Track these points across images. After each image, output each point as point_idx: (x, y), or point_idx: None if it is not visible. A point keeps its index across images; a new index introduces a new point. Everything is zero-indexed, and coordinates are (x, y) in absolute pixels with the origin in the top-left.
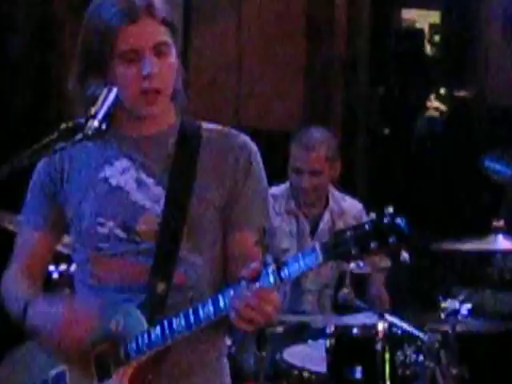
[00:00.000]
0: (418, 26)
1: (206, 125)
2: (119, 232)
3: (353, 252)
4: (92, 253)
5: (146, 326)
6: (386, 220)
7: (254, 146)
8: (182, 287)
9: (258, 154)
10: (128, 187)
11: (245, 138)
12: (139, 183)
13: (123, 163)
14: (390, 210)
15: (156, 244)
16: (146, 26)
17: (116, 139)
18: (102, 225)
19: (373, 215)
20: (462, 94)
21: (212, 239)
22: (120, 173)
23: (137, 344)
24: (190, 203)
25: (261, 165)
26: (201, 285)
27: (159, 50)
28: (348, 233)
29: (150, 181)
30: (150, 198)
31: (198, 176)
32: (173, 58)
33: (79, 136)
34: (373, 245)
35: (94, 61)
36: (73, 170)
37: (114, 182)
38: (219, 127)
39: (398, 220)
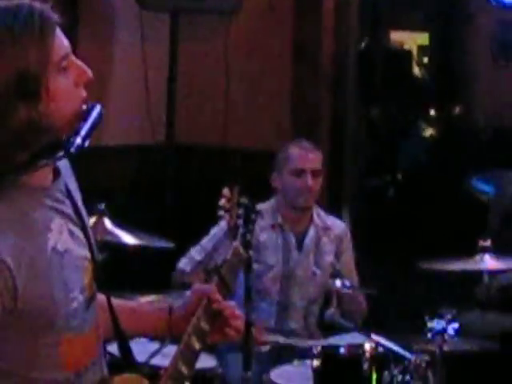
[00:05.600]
0: (406, 47)
1: None
2: (81, 297)
3: None
4: (64, 335)
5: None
6: None
7: None
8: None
9: None
10: (70, 245)
11: None
12: (71, 235)
13: (57, 222)
14: None
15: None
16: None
17: (36, 195)
18: (73, 300)
19: None
20: (450, 115)
21: None
22: (59, 233)
23: None
24: (91, 237)
25: None
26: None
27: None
28: None
29: (76, 229)
30: (82, 245)
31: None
32: None
33: (61, 153)
34: None
35: (27, 82)
36: (19, 259)
37: (60, 247)
38: None
39: None
